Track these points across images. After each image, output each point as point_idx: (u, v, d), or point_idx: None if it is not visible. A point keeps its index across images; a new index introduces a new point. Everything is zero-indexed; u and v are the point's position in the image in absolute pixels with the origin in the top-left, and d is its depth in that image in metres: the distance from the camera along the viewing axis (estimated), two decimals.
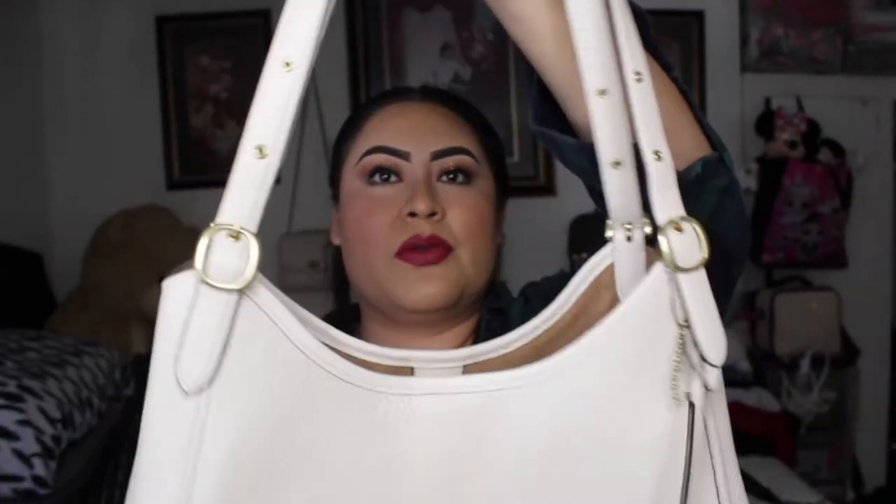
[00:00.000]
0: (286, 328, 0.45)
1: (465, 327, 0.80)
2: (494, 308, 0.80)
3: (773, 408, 2.38)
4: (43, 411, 1.43)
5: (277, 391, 0.44)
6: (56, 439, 1.44)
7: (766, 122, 2.66)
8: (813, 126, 2.65)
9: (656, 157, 0.48)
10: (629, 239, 0.51)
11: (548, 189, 2.72)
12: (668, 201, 0.48)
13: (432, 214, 0.73)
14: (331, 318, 0.84)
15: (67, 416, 1.50)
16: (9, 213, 2.34)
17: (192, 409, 0.43)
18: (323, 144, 2.68)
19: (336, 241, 0.82)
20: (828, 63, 2.77)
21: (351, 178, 0.78)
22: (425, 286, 0.72)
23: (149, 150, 2.67)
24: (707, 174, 0.60)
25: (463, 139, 0.78)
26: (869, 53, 2.77)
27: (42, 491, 1.40)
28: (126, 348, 2.25)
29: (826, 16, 2.76)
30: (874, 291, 2.90)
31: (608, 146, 0.49)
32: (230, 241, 0.46)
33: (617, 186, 0.50)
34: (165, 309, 0.47)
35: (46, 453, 1.40)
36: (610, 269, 0.52)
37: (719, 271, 0.61)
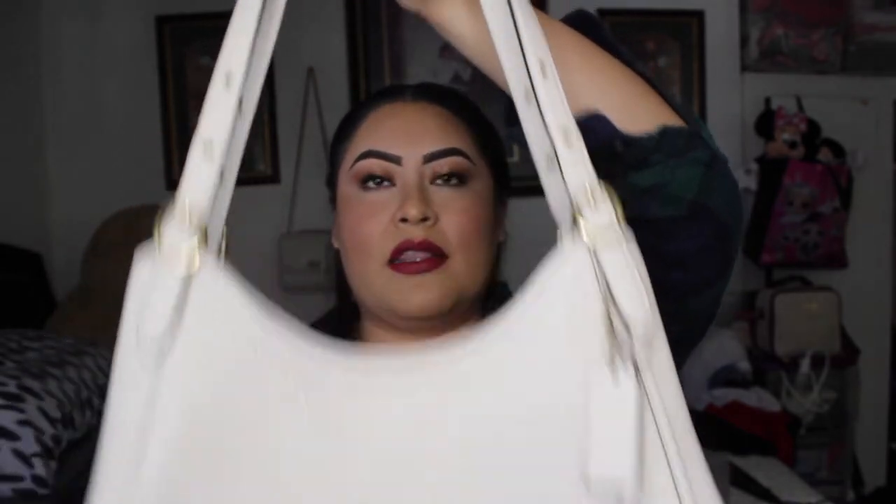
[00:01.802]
0: (236, 308, 0.49)
1: (465, 330, 0.80)
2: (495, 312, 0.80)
3: (773, 408, 2.38)
4: (43, 411, 1.43)
5: (224, 367, 0.47)
6: (56, 439, 1.44)
7: (766, 122, 2.66)
8: (813, 126, 2.65)
9: (564, 137, 0.48)
10: (572, 235, 0.50)
11: None
12: (576, 171, 0.49)
13: (424, 220, 0.72)
14: (331, 317, 0.84)
15: (67, 416, 1.50)
16: (9, 213, 2.34)
17: (147, 383, 0.47)
18: (323, 144, 2.68)
19: (335, 244, 0.82)
20: (828, 63, 2.77)
21: (346, 183, 0.78)
22: (419, 294, 0.72)
23: (149, 150, 2.67)
24: (676, 145, 0.60)
25: (456, 139, 0.77)
26: (869, 53, 2.77)
27: (42, 491, 1.40)
28: None
29: (826, 16, 2.76)
30: (874, 291, 2.90)
31: (539, 147, 0.50)
32: (183, 225, 0.50)
33: (551, 183, 0.50)
34: (130, 286, 0.51)
35: (46, 453, 1.40)
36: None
37: (716, 246, 0.63)
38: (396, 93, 0.80)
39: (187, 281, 0.47)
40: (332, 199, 0.82)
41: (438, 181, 0.75)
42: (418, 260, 0.72)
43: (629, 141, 0.59)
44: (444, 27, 0.63)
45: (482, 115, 0.82)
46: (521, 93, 0.50)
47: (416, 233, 0.72)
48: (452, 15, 0.62)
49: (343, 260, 0.79)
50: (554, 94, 0.49)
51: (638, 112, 0.60)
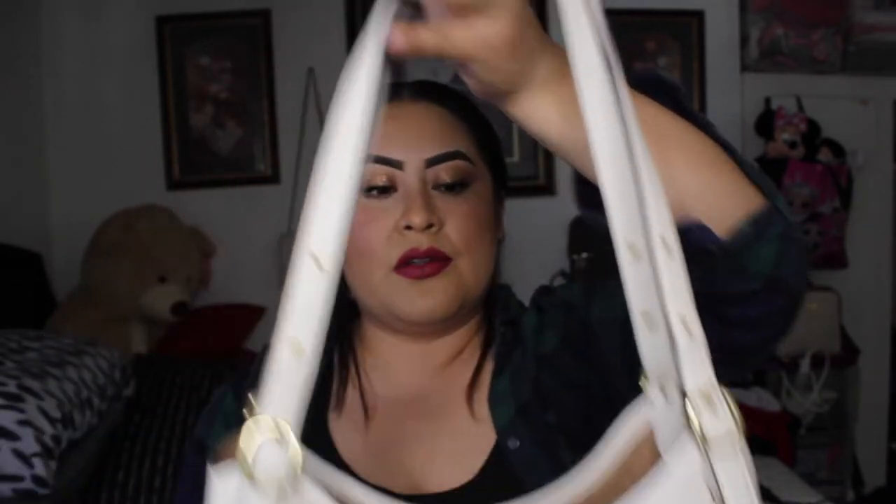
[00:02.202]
0: None
1: (466, 331, 0.80)
2: (506, 321, 0.80)
3: (773, 408, 2.38)
4: (43, 411, 1.43)
5: None
6: (56, 439, 1.44)
7: (766, 122, 2.66)
8: (813, 126, 2.65)
9: (685, 327, 0.45)
10: (665, 397, 0.49)
11: (548, 189, 2.72)
12: (696, 368, 0.46)
13: (429, 226, 0.71)
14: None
15: (67, 416, 1.50)
16: (9, 213, 2.34)
17: None
18: None
19: None
20: (828, 63, 2.77)
21: None
22: (425, 299, 0.72)
23: (149, 150, 2.67)
24: (759, 231, 0.56)
25: (457, 140, 0.75)
26: (869, 53, 2.77)
27: (42, 491, 1.39)
28: (126, 348, 2.25)
29: (826, 16, 2.76)
30: (874, 291, 2.90)
31: (638, 299, 0.46)
32: (274, 438, 0.43)
33: (649, 343, 0.47)
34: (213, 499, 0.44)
35: (46, 453, 1.40)
36: (647, 426, 0.51)
37: (784, 311, 0.60)
38: (395, 92, 0.78)
39: (283, 499, 0.42)
40: None
41: (442, 187, 0.74)
42: (424, 264, 0.71)
43: (726, 248, 0.56)
44: (524, 123, 0.56)
45: (481, 114, 0.81)
46: (624, 245, 0.45)
47: (422, 240, 0.71)
48: (538, 116, 0.54)
49: (345, 266, 0.78)
50: (679, 279, 0.44)
51: (728, 205, 0.56)
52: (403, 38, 0.47)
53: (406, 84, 0.79)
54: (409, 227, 0.71)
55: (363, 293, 0.76)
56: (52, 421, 1.44)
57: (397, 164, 0.73)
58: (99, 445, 1.67)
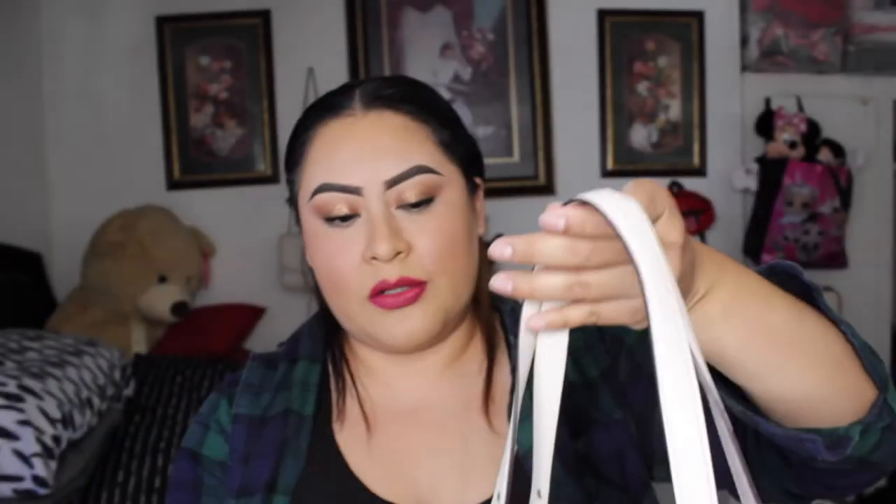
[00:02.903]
0: None
1: (459, 336, 0.78)
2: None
3: None
4: (43, 411, 1.43)
5: None
6: (56, 439, 1.44)
7: (766, 122, 2.66)
8: (813, 126, 2.65)
9: None
10: None
11: (548, 189, 2.72)
12: None
13: (397, 254, 0.68)
14: (317, 323, 0.82)
15: (67, 416, 1.50)
16: (9, 213, 2.34)
17: None
18: None
19: (310, 262, 0.77)
20: (828, 63, 2.77)
21: (308, 215, 0.72)
22: (403, 326, 0.69)
23: (149, 150, 2.67)
24: (865, 429, 0.55)
25: (418, 151, 0.70)
26: (869, 53, 2.77)
27: (42, 491, 1.39)
28: (126, 348, 2.25)
29: (826, 16, 2.76)
30: (874, 291, 2.90)
31: None
32: None
33: None
34: None
35: (46, 453, 1.40)
36: None
37: (869, 482, 0.60)
38: (345, 104, 0.72)
39: None
40: (297, 220, 0.77)
41: (407, 206, 0.69)
42: (398, 293, 0.68)
43: (833, 461, 0.55)
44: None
45: (442, 107, 0.76)
46: None
47: (391, 271, 0.68)
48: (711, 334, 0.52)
49: (320, 284, 0.75)
50: None
51: (841, 406, 0.55)
52: (547, 320, 0.45)
53: (360, 85, 0.74)
54: (375, 258, 0.68)
55: (343, 320, 0.74)
56: (52, 421, 1.44)
57: (355, 191, 0.68)
58: (99, 445, 1.67)
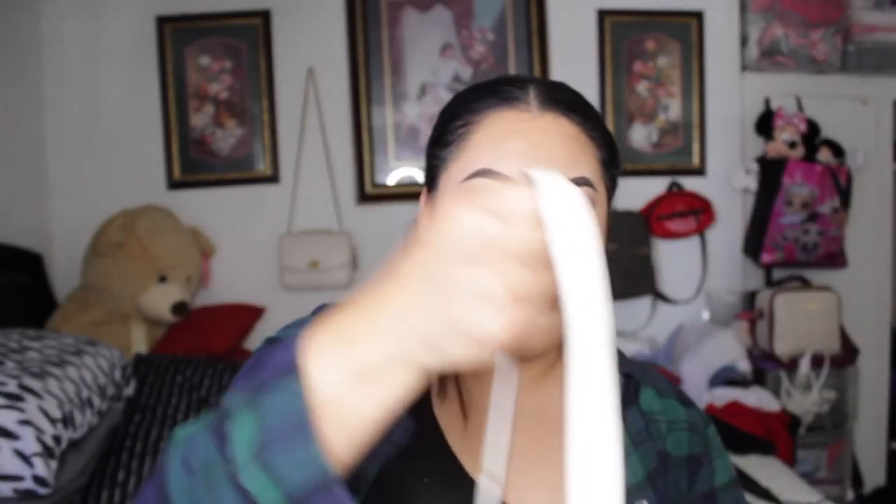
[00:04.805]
0: None
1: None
2: (624, 373, 0.79)
3: (772, 408, 2.38)
4: (43, 411, 1.43)
5: None
6: (56, 439, 1.44)
7: (765, 122, 2.66)
8: (812, 126, 2.65)
9: None
10: None
11: None
12: None
13: None
14: None
15: (68, 416, 1.50)
16: (9, 213, 2.34)
17: None
18: (323, 145, 2.68)
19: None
20: (827, 63, 2.78)
21: (454, 194, 0.69)
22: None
23: (149, 150, 2.67)
24: None
25: (585, 165, 0.68)
26: (869, 53, 2.77)
27: (42, 490, 1.39)
28: (126, 348, 2.25)
29: (826, 16, 2.76)
30: (874, 291, 2.90)
31: None
32: None
33: None
34: None
35: (47, 453, 1.40)
36: None
37: None
38: (519, 97, 0.70)
39: None
40: (428, 186, 0.74)
41: None
42: None
43: None
44: None
45: (606, 129, 0.74)
46: None
47: None
48: None
49: None
50: None
51: None
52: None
53: (532, 83, 0.71)
54: None
55: None
56: (52, 421, 1.44)
57: None
58: (99, 445, 1.67)
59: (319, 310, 0.82)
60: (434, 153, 0.73)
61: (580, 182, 0.67)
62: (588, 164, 0.69)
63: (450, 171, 0.70)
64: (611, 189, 0.74)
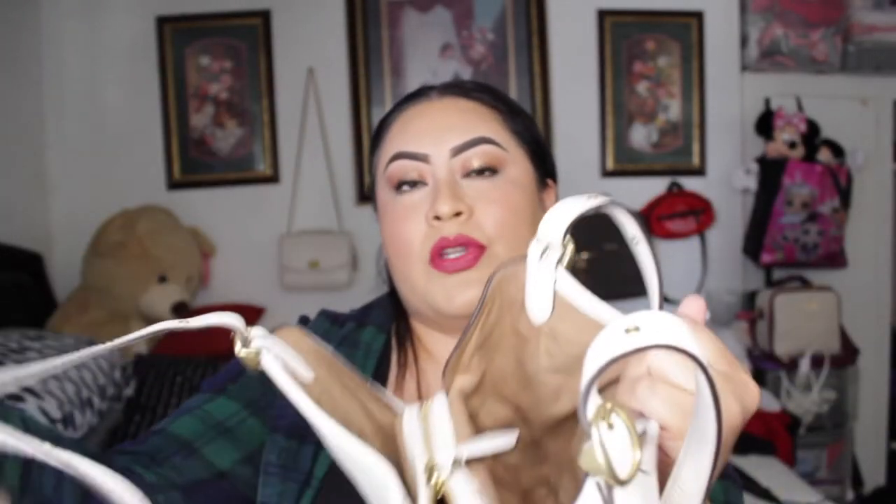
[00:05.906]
0: None
1: None
2: None
3: (772, 408, 2.38)
4: (44, 411, 1.43)
5: None
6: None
7: (765, 122, 2.66)
8: (812, 126, 2.65)
9: None
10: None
11: None
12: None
13: (457, 214, 0.71)
14: (387, 300, 0.84)
15: (68, 416, 1.50)
16: (9, 213, 2.34)
17: None
18: (323, 145, 2.68)
19: (385, 253, 0.80)
20: (827, 63, 2.78)
21: (382, 189, 0.77)
22: (464, 292, 0.70)
23: (149, 150, 2.67)
24: None
25: (484, 128, 0.75)
26: (869, 53, 2.77)
27: None
28: (126, 348, 2.25)
29: (826, 16, 2.76)
30: (874, 291, 2.90)
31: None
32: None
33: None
34: None
35: None
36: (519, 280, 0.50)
37: None
38: (423, 94, 0.80)
39: None
40: (375, 209, 0.81)
41: (471, 174, 0.73)
42: (458, 257, 0.70)
43: None
44: None
45: (515, 104, 0.80)
46: None
47: (451, 229, 0.70)
48: None
49: (390, 267, 0.78)
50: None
51: None
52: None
53: (434, 86, 0.80)
54: (437, 218, 0.71)
55: (406, 292, 0.76)
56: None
57: (423, 157, 0.74)
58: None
59: (322, 314, 0.84)
60: (371, 165, 0.82)
61: (479, 141, 0.74)
62: (490, 129, 0.75)
63: (377, 168, 0.79)
64: (537, 158, 0.79)
